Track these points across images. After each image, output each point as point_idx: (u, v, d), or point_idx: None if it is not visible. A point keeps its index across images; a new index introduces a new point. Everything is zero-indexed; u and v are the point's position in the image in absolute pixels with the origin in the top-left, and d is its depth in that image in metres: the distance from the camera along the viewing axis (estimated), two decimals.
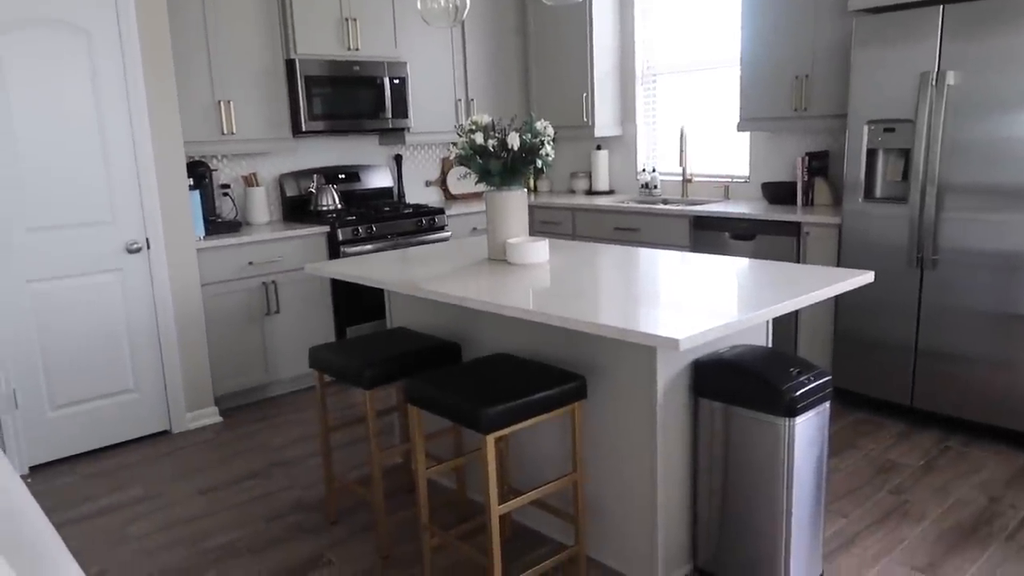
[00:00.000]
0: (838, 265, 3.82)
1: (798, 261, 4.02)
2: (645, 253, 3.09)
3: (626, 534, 2.47)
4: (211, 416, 4.09)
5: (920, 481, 3.03)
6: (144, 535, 2.93)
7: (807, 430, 2.24)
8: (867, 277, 2.49)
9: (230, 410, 4.26)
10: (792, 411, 2.17)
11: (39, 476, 3.50)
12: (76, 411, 3.67)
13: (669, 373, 2.33)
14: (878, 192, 3.67)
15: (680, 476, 2.42)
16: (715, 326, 1.96)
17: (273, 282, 4.31)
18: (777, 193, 4.50)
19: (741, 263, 2.78)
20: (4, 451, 3.45)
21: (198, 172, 4.28)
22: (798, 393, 2.19)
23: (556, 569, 2.52)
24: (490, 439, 2.16)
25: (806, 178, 4.38)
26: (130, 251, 3.74)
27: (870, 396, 3.75)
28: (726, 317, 2.04)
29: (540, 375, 2.36)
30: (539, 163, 2.91)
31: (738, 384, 2.27)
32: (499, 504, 2.24)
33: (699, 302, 2.24)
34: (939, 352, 3.47)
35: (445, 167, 5.75)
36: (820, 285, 2.36)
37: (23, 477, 3.49)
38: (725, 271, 2.66)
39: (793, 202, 4.46)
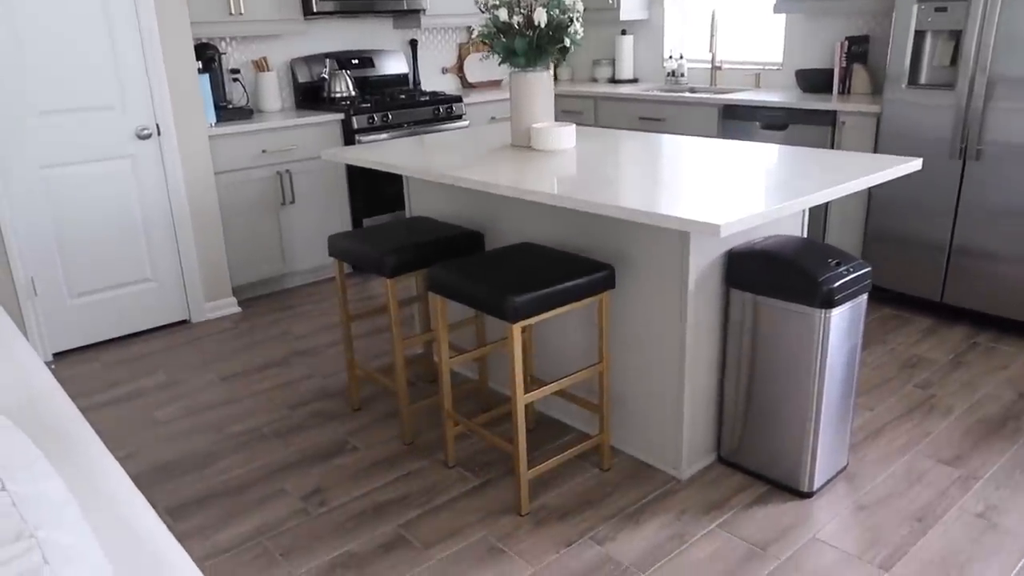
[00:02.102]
0: None
1: None
2: (675, 140, 2.96)
3: (651, 424, 2.46)
4: (230, 306, 4.08)
5: (948, 376, 2.99)
6: (170, 420, 2.96)
7: (842, 322, 2.18)
8: (914, 164, 2.37)
9: (248, 300, 4.25)
10: (829, 302, 2.10)
11: (63, 363, 3.53)
12: (96, 299, 3.66)
13: (701, 263, 2.25)
14: (923, 78, 3.47)
15: (708, 367, 2.39)
16: (756, 212, 1.87)
17: (288, 171, 4.20)
18: (812, 81, 4.28)
19: (777, 150, 2.65)
20: (27, 338, 3.47)
21: (207, 55, 4.11)
22: (836, 284, 2.11)
23: (580, 457, 2.53)
24: (516, 328, 2.11)
25: (844, 64, 4.15)
26: (141, 137, 3.63)
27: (899, 291, 3.67)
28: (766, 203, 1.94)
29: (567, 264, 2.29)
30: (567, 41, 2.74)
31: (773, 275, 2.19)
32: (524, 393, 2.21)
33: (735, 189, 2.13)
34: (974, 248, 3.36)
35: (462, 53, 5.51)
36: (863, 172, 2.24)
37: (46, 363, 3.52)
38: (761, 158, 2.53)
39: (828, 90, 4.25)
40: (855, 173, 2.24)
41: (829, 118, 3.85)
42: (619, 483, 2.40)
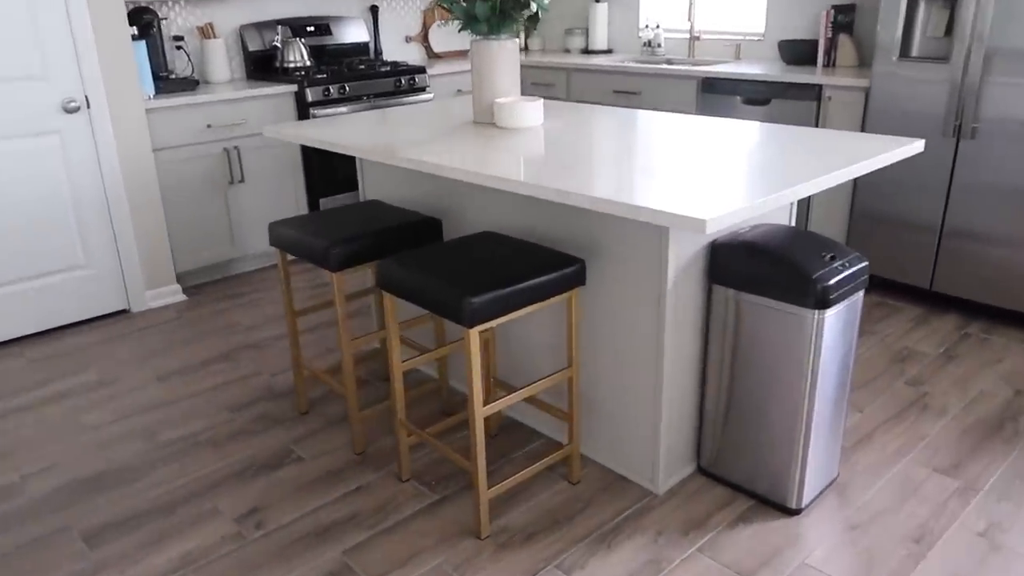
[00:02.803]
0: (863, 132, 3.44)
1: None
2: (652, 117, 2.70)
3: (625, 432, 2.24)
4: (173, 294, 3.78)
5: (940, 371, 2.80)
6: (98, 425, 2.68)
7: (837, 323, 1.96)
8: (916, 146, 2.14)
9: (195, 287, 3.95)
10: (824, 302, 1.88)
11: None
12: (21, 288, 3.34)
13: (681, 256, 2.01)
14: (915, 50, 3.24)
15: (687, 370, 2.16)
16: (746, 206, 1.63)
17: (236, 148, 3.89)
18: (795, 52, 4.04)
19: (763, 129, 2.41)
20: None
21: (143, 20, 3.76)
22: (831, 282, 1.89)
23: (548, 468, 2.31)
24: (474, 333, 1.87)
25: (830, 35, 3.91)
26: (68, 110, 3.30)
27: (886, 277, 3.48)
28: (756, 192, 1.71)
29: (532, 257, 2.04)
30: (534, 6, 2.46)
31: (761, 270, 1.96)
32: (484, 405, 1.97)
33: (720, 175, 1.89)
34: (966, 231, 3.16)
35: (427, 21, 5.18)
36: (861, 155, 2.01)
37: None
38: (746, 137, 2.29)
39: (813, 63, 4.01)
40: (852, 156, 2.01)
41: (814, 93, 3.62)
42: (590, 498, 2.17)
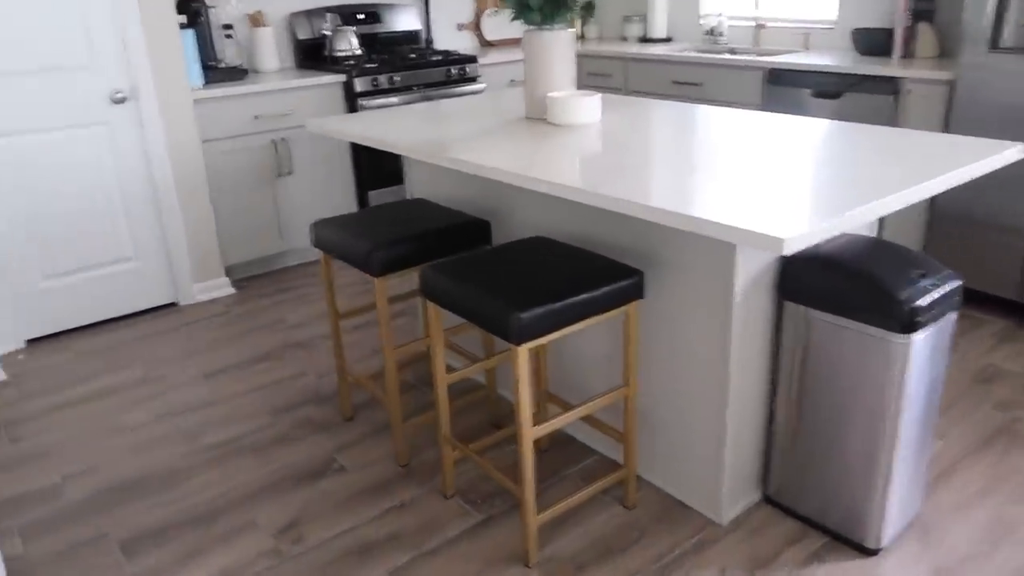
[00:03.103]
0: (946, 130, 3.19)
1: (895, 125, 3.39)
2: (716, 113, 2.52)
3: (685, 455, 2.09)
4: (222, 287, 3.74)
5: None
6: (139, 425, 2.64)
7: (925, 348, 1.77)
8: (1018, 151, 1.92)
9: (243, 280, 3.91)
10: (911, 326, 1.70)
11: (34, 352, 3.22)
12: (71, 281, 3.33)
13: (750, 269, 1.85)
14: (1007, 40, 2.98)
15: (754, 391, 2.00)
16: (829, 223, 1.45)
17: (283, 139, 3.82)
18: (870, 42, 3.78)
19: (840, 128, 2.21)
20: None
21: (192, 8, 3.70)
22: (920, 303, 1.70)
23: (603, 492, 2.17)
24: (522, 350, 1.74)
25: (908, 23, 3.65)
26: (115, 101, 3.26)
27: (968, 287, 3.23)
28: (838, 204, 1.53)
29: (586, 268, 1.89)
30: None
31: (840, 287, 1.78)
32: (534, 424, 1.85)
33: (796, 180, 1.71)
34: None
35: (480, 7, 5.04)
36: (957, 160, 1.81)
37: (16, 352, 3.22)
38: (821, 137, 2.10)
39: (888, 53, 3.75)
40: (944, 162, 1.80)
41: (891, 86, 3.37)
42: (646, 527, 2.03)
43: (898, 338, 1.71)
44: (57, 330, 3.35)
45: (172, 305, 3.64)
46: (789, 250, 1.36)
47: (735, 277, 1.82)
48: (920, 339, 1.73)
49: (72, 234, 3.28)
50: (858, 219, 1.51)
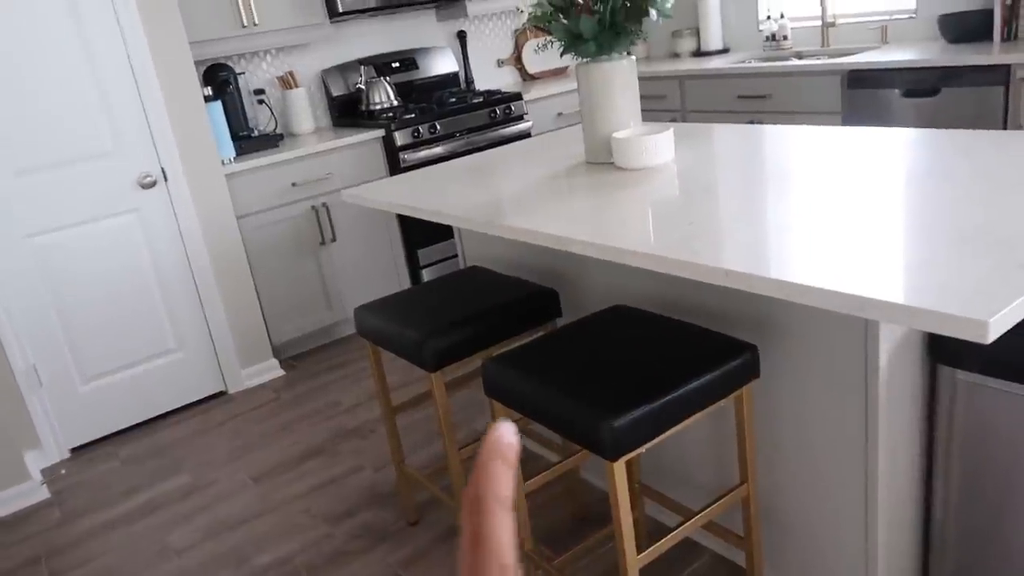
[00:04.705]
0: None
1: (1004, 122, 2.94)
2: (803, 134, 2.13)
3: (820, 553, 1.69)
4: (271, 370, 3.49)
5: None
6: (186, 547, 2.36)
7: None
8: None
9: (293, 359, 3.65)
10: None
11: (78, 461, 3.00)
12: (112, 381, 3.12)
13: (895, 329, 1.45)
14: None
15: (905, 480, 1.59)
16: None
17: (324, 204, 3.57)
18: (961, 28, 3.34)
19: (969, 139, 1.80)
20: (38, 435, 2.96)
21: (219, 78, 3.51)
22: None
23: None
24: (619, 467, 1.38)
25: (1009, 1, 3.20)
26: (144, 186, 3.05)
27: None
28: (1019, 247, 1.13)
29: (686, 345, 1.53)
30: (653, 14, 1.96)
31: (1008, 346, 1.38)
32: (637, 548, 1.48)
33: (954, 223, 1.32)
34: None
35: (519, 41, 4.76)
36: None
37: (59, 464, 3.00)
38: (951, 153, 1.70)
39: (987, 38, 3.30)
40: None
41: (999, 75, 2.92)
42: None
43: None
44: (102, 435, 3.13)
45: (222, 394, 3.39)
46: (996, 333, 0.98)
47: (880, 343, 1.43)
48: None
49: (109, 332, 3.07)
50: None
